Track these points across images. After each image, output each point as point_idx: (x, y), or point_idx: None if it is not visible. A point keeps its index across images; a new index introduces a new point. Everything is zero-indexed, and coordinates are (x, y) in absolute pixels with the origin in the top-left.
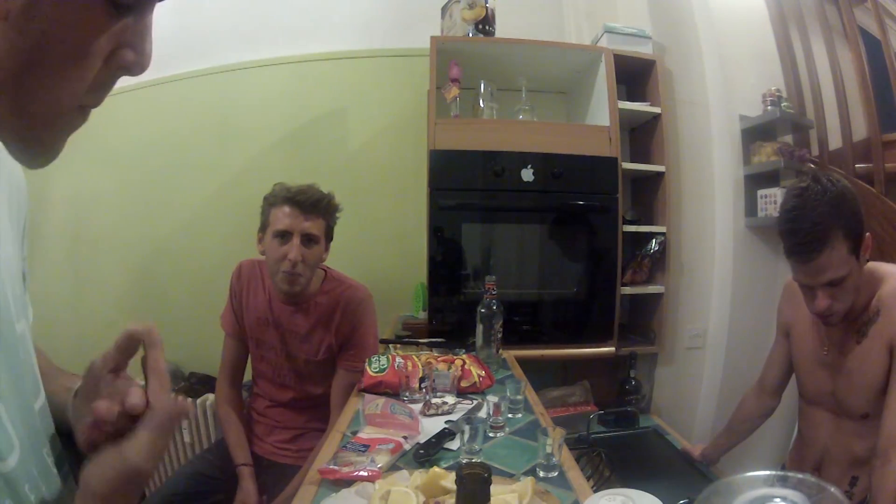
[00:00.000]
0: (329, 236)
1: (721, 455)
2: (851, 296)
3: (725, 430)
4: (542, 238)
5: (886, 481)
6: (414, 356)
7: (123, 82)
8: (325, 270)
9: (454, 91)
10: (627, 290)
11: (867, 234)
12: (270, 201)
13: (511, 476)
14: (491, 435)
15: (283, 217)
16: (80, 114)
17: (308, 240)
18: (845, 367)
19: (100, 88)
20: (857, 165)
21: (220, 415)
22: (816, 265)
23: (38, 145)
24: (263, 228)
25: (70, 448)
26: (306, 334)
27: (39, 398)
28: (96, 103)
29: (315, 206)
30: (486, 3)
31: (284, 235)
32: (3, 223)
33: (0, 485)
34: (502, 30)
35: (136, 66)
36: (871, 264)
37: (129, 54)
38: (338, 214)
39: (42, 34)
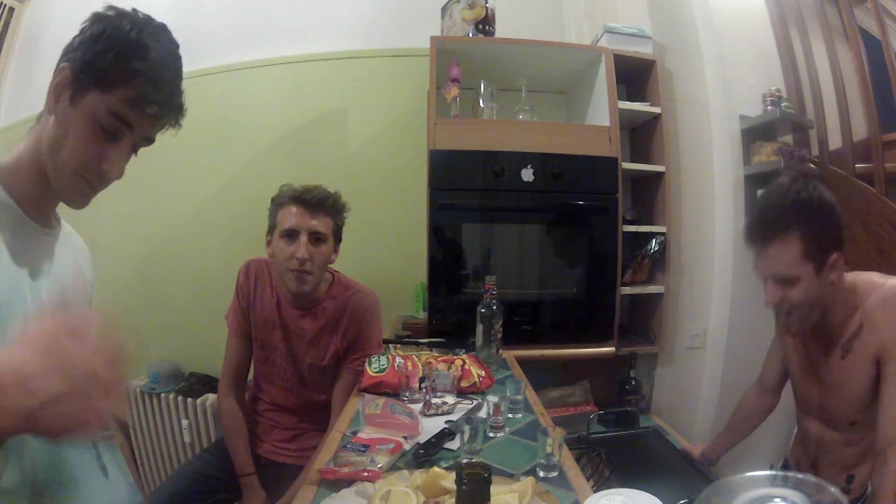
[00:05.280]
0: (338, 237)
1: (722, 454)
2: (811, 308)
3: (726, 429)
4: (542, 238)
5: (886, 480)
6: (414, 356)
7: None
8: (333, 274)
9: (454, 91)
10: (627, 290)
11: (835, 254)
12: (277, 202)
13: (511, 476)
14: (491, 435)
15: (290, 216)
16: (83, 182)
17: (316, 238)
18: (832, 382)
19: (92, 175)
20: (857, 165)
21: (225, 422)
22: (765, 254)
23: (62, 197)
24: (271, 230)
25: None
26: (313, 338)
27: None
28: (92, 182)
29: (321, 204)
30: (486, 3)
31: (292, 234)
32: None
33: None
34: (502, 30)
35: (109, 175)
36: (853, 279)
37: (105, 165)
38: (345, 214)
39: (64, 129)
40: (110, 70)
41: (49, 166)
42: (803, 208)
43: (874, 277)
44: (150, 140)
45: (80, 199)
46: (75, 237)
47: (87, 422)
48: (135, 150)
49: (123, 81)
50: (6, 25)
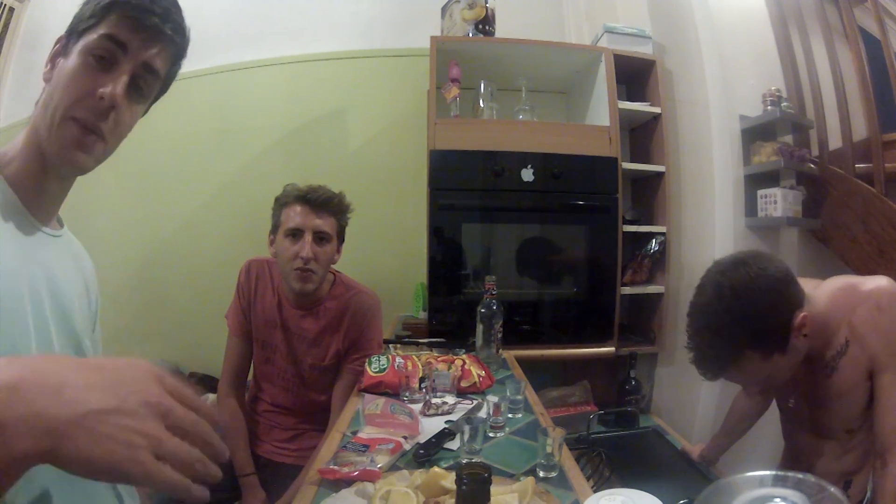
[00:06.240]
0: (341, 237)
1: (720, 455)
2: (790, 371)
3: (721, 430)
4: (542, 238)
5: (886, 483)
6: (414, 356)
7: None
8: (335, 275)
9: (454, 91)
10: (627, 290)
11: (799, 316)
12: (282, 201)
13: (511, 476)
14: (491, 435)
15: (295, 215)
16: (75, 126)
17: (320, 238)
18: (821, 399)
19: (86, 111)
20: (857, 165)
21: (225, 423)
22: (727, 377)
23: (54, 156)
24: (275, 229)
25: None
26: (314, 339)
27: None
28: (86, 123)
29: (326, 204)
30: (486, 3)
31: (296, 233)
32: (75, 296)
33: None
34: (502, 30)
35: (104, 104)
36: (829, 295)
37: (100, 92)
38: (349, 215)
39: (57, 79)
40: (100, 3)
41: (42, 125)
42: (744, 319)
43: (852, 284)
44: (151, 71)
45: (73, 151)
46: (77, 246)
47: (134, 447)
48: (138, 86)
49: (117, 4)
50: (6, 25)
